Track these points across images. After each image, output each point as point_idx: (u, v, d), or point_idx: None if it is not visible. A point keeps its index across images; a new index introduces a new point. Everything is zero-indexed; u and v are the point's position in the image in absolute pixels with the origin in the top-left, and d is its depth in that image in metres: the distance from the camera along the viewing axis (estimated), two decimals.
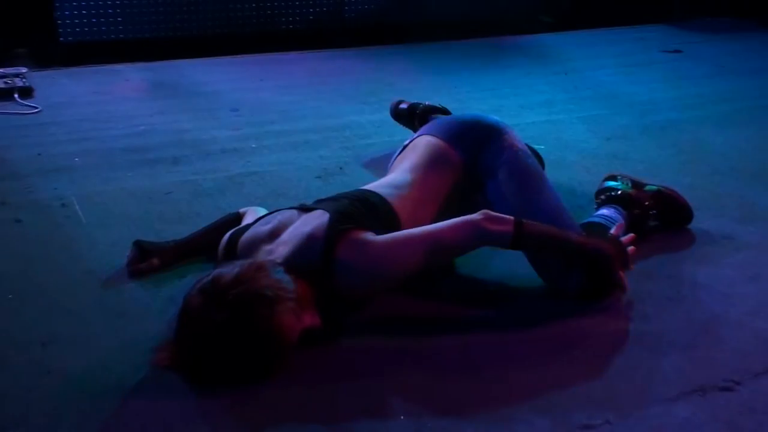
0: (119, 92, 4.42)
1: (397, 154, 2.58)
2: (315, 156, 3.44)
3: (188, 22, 5.37)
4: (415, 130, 2.99)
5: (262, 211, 2.46)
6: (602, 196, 2.67)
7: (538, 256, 2.30)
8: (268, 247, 2.12)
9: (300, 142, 3.61)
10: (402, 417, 1.80)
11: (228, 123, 3.89)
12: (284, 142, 3.61)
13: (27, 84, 4.30)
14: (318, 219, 2.11)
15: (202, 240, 2.51)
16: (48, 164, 3.31)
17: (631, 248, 2.29)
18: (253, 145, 3.57)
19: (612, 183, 2.72)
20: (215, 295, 1.85)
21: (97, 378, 1.93)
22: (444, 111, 3.29)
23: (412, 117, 3.33)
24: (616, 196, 2.63)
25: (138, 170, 3.26)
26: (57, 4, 5.01)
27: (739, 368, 1.98)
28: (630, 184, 2.70)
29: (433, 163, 2.42)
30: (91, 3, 5.09)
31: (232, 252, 2.19)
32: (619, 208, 2.58)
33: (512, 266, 2.35)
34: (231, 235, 2.26)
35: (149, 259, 2.42)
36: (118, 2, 5.16)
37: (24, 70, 4.50)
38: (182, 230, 2.59)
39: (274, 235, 2.15)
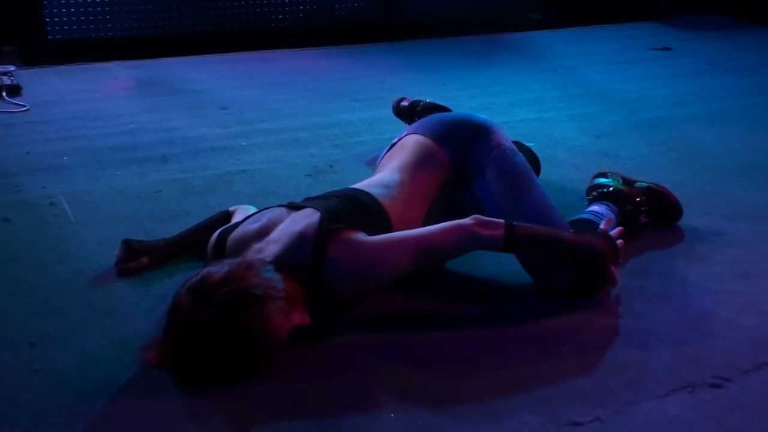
0: (108, 90, 4.40)
1: (385, 152, 2.58)
2: (305, 154, 3.44)
3: (177, 20, 5.36)
4: None
5: (252, 210, 2.46)
6: (594, 193, 2.67)
7: (530, 257, 2.30)
8: (257, 245, 2.11)
9: (290, 140, 3.60)
10: (392, 414, 1.80)
11: (217, 121, 3.88)
12: (274, 140, 3.60)
13: (15, 82, 4.28)
14: (308, 218, 2.10)
15: (192, 238, 2.50)
16: (36, 163, 3.30)
17: (620, 242, 2.30)
18: (243, 143, 3.56)
19: (603, 180, 2.72)
20: (204, 294, 1.84)
21: (86, 377, 1.93)
22: (444, 109, 3.28)
23: (413, 114, 3.33)
24: (608, 192, 2.63)
25: (127, 168, 3.25)
26: (45, 2, 4.99)
27: (729, 365, 1.98)
28: (621, 181, 2.70)
29: (421, 163, 2.42)
30: (80, 1, 5.07)
31: (221, 251, 2.18)
32: (611, 205, 2.59)
33: (502, 263, 2.35)
34: (220, 233, 2.25)
35: (138, 258, 2.41)
36: (106, 0, 5.14)
37: (12, 68, 4.48)
38: (172, 229, 2.59)
39: (263, 233, 2.15)
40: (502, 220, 2.12)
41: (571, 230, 2.31)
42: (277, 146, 3.53)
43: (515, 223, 2.12)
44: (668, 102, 4.25)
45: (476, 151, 2.43)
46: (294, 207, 2.21)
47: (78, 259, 2.49)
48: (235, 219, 2.44)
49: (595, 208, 2.58)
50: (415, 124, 2.61)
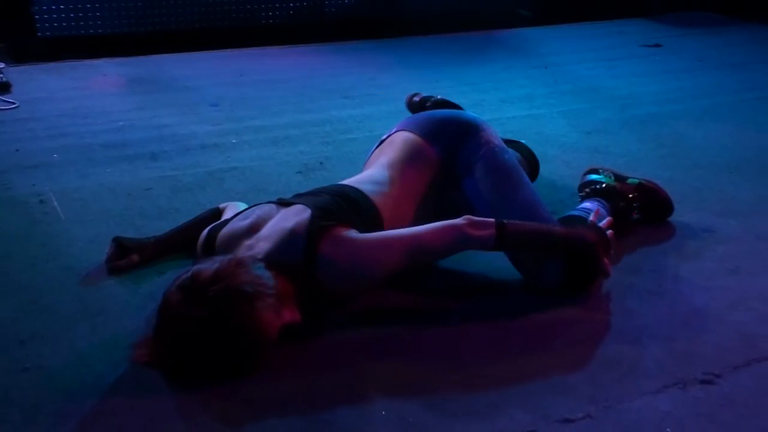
0: (98, 87, 4.39)
1: (374, 148, 2.58)
2: (295, 151, 3.43)
3: (167, 17, 5.35)
4: None
5: (243, 206, 2.45)
6: (586, 190, 2.67)
7: (522, 255, 2.30)
8: (248, 242, 2.11)
9: (280, 138, 3.60)
10: (383, 412, 1.80)
11: (208, 118, 3.88)
12: (264, 138, 3.60)
13: (4, 79, 4.27)
14: (299, 215, 2.10)
15: (182, 236, 2.49)
16: (26, 160, 3.29)
17: (609, 232, 2.31)
18: (233, 141, 3.55)
19: (595, 176, 2.72)
20: (194, 291, 1.84)
21: (76, 375, 1.92)
22: (455, 106, 3.28)
23: (422, 110, 3.32)
24: (601, 189, 2.63)
25: (117, 166, 3.24)
26: None
27: (720, 361, 1.98)
28: (613, 178, 2.70)
29: (410, 160, 2.42)
30: None
31: (211, 248, 2.18)
32: (603, 202, 2.58)
33: (492, 259, 2.34)
34: (209, 231, 2.24)
35: (128, 256, 2.41)
36: None
37: (1, 65, 4.48)
38: (162, 226, 2.58)
39: (253, 230, 2.14)
40: (492, 219, 2.12)
41: (560, 225, 2.31)
42: (267, 143, 3.52)
43: (506, 221, 2.13)
44: (658, 98, 4.26)
45: (465, 149, 2.43)
46: (283, 203, 2.20)
47: (68, 256, 2.48)
48: (226, 216, 2.43)
49: (586, 204, 2.58)
50: (404, 121, 2.60)
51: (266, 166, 3.26)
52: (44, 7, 5.02)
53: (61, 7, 5.05)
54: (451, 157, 2.43)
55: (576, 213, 2.51)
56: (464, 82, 4.54)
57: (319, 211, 2.09)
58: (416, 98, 3.41)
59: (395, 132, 2.54)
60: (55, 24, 5.06)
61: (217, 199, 2.76)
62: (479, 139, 2.44)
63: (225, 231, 2.19)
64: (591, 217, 2.42)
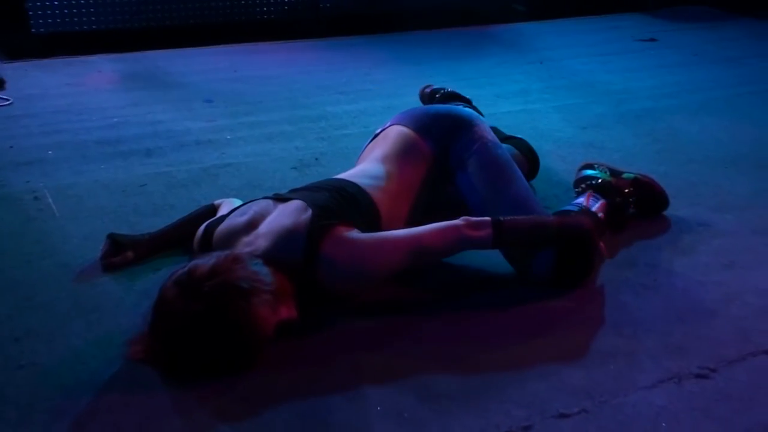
0: (92, 84, 4.38)
1: (368, 142, 2.58)
2: (290, 147, 3.43)
3: (162, 12, 5.34)
4: None
5: (237, 203, 2.44)
6: (582, 185, 2.67)
7: (521, 249, 2.29)
8: (246, 238, 2.11)
9: (275, 133, 3.59)
10: (379, 407, 1.80)
11: (202, 114, 3.87)
12: (259, 133, 3.59)
13: None
14: (299, 213, 2.09)
15: (177, 232, 2.48)
16: (20, 157, 3.28)
17: (601, 215, 2.34)
18: (228, 137, 3.55)
19: (590, 172, 2.72)
20: (190, 286, 1.83)
21: (71, 372, 1.91)
22: (464, 99, 3.28)
23: (433, 101, 3.33)
24: (597, 184, 2.63)
25: (111, 162, 3.23)
26: None
27: (715, 356, 1.99)
28: (608, 173, 2.70)
29: (404, 154, 2.42)
30: None
31: (208, 244, 2.17)
32: (599, 197, 2.57)
33: (486, 254, 2.33)
34: (206, 227, 2.24)
35: (123, 253, 2.40)
36: None
37: None
38: (157, 222, 2.58)
39: (251, 226, 2.14)
40: (488, 219, 2.13)
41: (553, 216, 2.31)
42: (262, 139, 3.52)
43: (501, 219, 2.13)
44: (654, 93, 4.26)
45: (458, 144, 2.44)
46: (280, 199, 2.20)
47: (62, 253, 2.48)
48: (221, 212, 2.43)
49: (581, 200, 2.58)
50: (399, 115, 2.60)
51: (261, 162, 3.25)
52: (38, 3, 5.00)
53: (55, 3, 5.04)
54: (445, 151, 2.44)
55: (572, 208, 2.51)
56: (459, 77, 4.54)
57: (320, 209, 2.09)
58: (428, 90, 3.42)
59: (389, 126, 2.55)
60: (49, 20, 5.05)
61: (211, 196, 2.76)
62: (472, 134, 2.44)
63: (222, 227, 2.18)
64: (582, 200, 2.43)
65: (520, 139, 2.89)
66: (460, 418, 1.77)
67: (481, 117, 2.61)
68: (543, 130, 3.63)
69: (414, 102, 3.44)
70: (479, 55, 5.12)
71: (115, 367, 1.92)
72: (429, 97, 3.37)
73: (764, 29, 5.90)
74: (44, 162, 3.23)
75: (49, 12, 5.03)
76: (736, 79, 4.58)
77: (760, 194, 2.94)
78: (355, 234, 2.07)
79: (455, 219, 2.13)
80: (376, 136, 2.56)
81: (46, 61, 4.82)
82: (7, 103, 3.97)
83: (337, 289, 2.09)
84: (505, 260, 2.33)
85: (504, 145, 2.57)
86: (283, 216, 2.11)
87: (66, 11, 5.07)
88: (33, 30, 5.03)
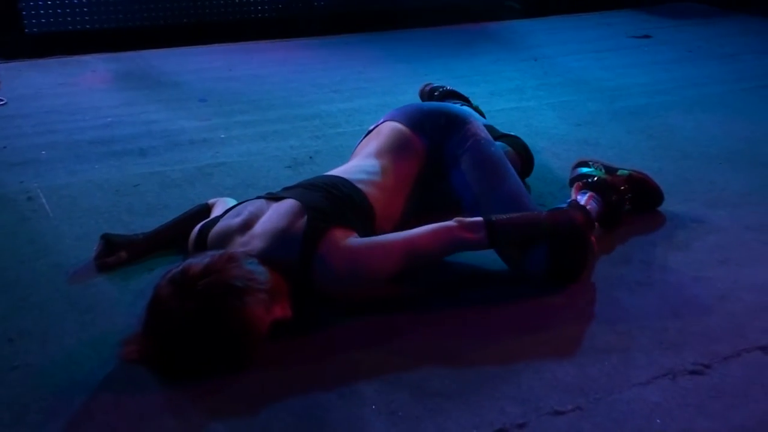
0: (86, 83, 4.37)
1: (362, 138, 2.58)
2: (285, 146, 3.42)
3: (155, 12, 5.33)
4: None
5: (232, 202, 2.44)
6: (578, 183, 2.66)
7: (514, 246, 2.29)
8: (241, 239, 2.11)
9: (269, 132, 3.59)
10: (373, 406, 1.80)
11: (196, 113, 3.86)
12: (253, 132, 3.59)
13: None
14: (294, 214, 2.10)
15: (171, 232, 2.48)
16: (14, 157, 3.27)
17: (589, 207, 2.36)
18: (222, 136, 3.54)
19: (585, 169, 2.71)
20: (185, 284, 1.83)
21: (65, 373, 1.91)
22: (461, 96, 3.28)
23: (431, 99, 3.32)
24: (592, 182, 2.62)
25: (105, 162, 3.23)
26: None
27: (709, 352, 1.99)
28: (603, 170, 2.70)
29: (397, 150, 2.43)
30: None
31: (202, 246, 2.17)
32: (595, 195, 2.57)
33: (482, 251, 2.34)
34: (200, 228, 2.24)
35: (117, 253, 2.40)
36: None
37: None
38: (151, 222, 2.57)
39: (246, 227, 2.14)
40: (481, 219, 2.14)
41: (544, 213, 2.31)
42: (256, 138, 3.51)
43: (493, 218, 2.14)
44: (648, 90, 4.26)
45: (452, 141, 2.44)
46: (273, 198, 2.20)
47: (56, 253, 2.47)
48: (215, 212, 2.43)
49: (578, 197, 2.57)
50: (393, 112, 2.60)
51: (255, 161, 3.25)
52: (31, 3, 4.99)
53: (49, 2, 5.03)
54: (438, 148, 2.44)
55: (560, 205, 2.51)
56: (454, 75, 4.53)
57: (315, 212, 2.09)
58: (427, 88, 3.42)
59: (383, 122, 2.55)
60: (43, 20, 5.03)
61: (206, 195, 2.76)
62: (465, 131, 2.45)
63: (217, 228, 2.18)
64: (572, 194, 2.43)
65: (514, 136, 2.89)
66: (455, 415, 1.77)
67: (474, 114, 2.61)
68: (537, 128, 3.63)
69: (408, 100, 3.43)
70: (473, 52, 5.11)
71: (110, 368, 1.92)
72: (428, 95, 3.37)
73: (758, 26, 5.90)
74: (38, 162, 3.22)
75: (42, 12, 5.02)
76: (731, 75, 4.58)
77: (754, 190, 2.94)
78: (351, 239, 2.08)
79: (448, 220, 2.14)
80: (370, 132, 2.56)
81: (39, 61, 4.81)
82: (1, 103, 3.96)
83: (331, 290, 2.10)
84: (498, 257, 2.32)
85: (497, 143, 2.57)
86: (277, 216, 2.11)
87: (59, 11, 5.06)
88: (26, 30, 5.01)
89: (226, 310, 1.81)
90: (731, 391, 1.85)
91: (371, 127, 2.58)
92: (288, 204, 2.13)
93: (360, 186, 2.28)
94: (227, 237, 2.14)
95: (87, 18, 5.15)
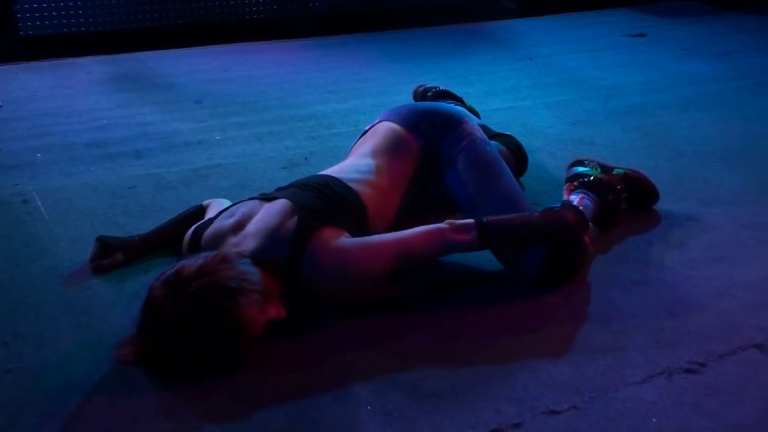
0: (81, 86, 4.37)
1: (358, 138, 2.58)
2: (280, 147, 3.42)
3: (150, 13, 5.33)
4: None
5: (226, 203, 2.44)
6: (574, 183, 2.66)
7: (507, 247, 2.29)
8: (234, 239, 2.11)
9: (265, 133, 3.59)
10: (369, 407, 1.80)
11: (192, 115, 3.86)
12: (249, 134, 3.59)
13: None
14: (285, 214, 2.10)
15: (166, 234, 2.48)
16: (9, 160, 3.27)
17: (581, 207, 2.36)
18: (218, 137, 3.54)
19: (581, 169, 2.71)
20: (178, 286, 1.84)
21: (60, 375, 1.91)
22: (454, 96, 3.27)
23: (425, 100, 3.32)
24: (589, 182, 2.62)
25: (101, 164, 3.22)
26: None
27: (704, 350, 1.99)
28: (599, 169, 2.70)
29: (393, 149, 2.43)
30: None
31: (196, 247, 2.18)
32: (592, 195, 2.56)
33: (477, 251, 2.34)
34: (194, 231, 2.24)
35: (113, 255, 2.40)
36: None
37: None
38: (146, 224, 2.57)
39: (239, 227, 2.14)
40: (472, 221, 2.15)
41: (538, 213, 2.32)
42: (252, 139, 3.51)
43: (484, 219, 2.15)
44: (643, 88, 4.26)
45: (447, 141, 2.44)
46: (266, 198, 2.21)
47: (52, 256, 2.47)
48: (210, 213, 2.43)
49: (572, 197, 2.57)
50: (388, 112, 2.60)
51: (251, 162, 3.25)
52: (26, 6, 4.98)
53: (44, 5, 5.02)
54: (433, 148, 2.44)
55: (555, 206, 2.51)
56: (449, 75, 4.53)
57: (305, 211, 2.09)
58: (420, 89, 3.42)
59: (378, 122, 2.55)
60: (38, 23, 5.03)
61: (201, 197, 2.75)
62: (461, 131, 2.45)
63: (210, 230, 2.18)
64: (564, 195, 2.43)
65: (509, 135, 2.89)
66: (450, 416, 1.77)
67: (469, 114, 2.61)
68: (533, 127, 3.63)
69: (404, 100, 3.44)
70: (469, 52, 5.11)
71: (105, 370, 1.92)
72: (422, 95, 3.37)
73: (753, 24, 5.91)
74: (33, 165, 3.22)
75: (37, 14, 5.01)
76: (726, 73, 4.58)
77: (749, 189, 2.94)
78: (342, 240, 2.08)
79: (443, 220, 2.14)
80: (365, 132, 2.56)
81: (34, 63, 4.80)
82: None
83: (322, 290, 2.10)
84: (493, 257, 2.32)
85: (492, 142, 2.57)
86: (269, 215, 2.12)
87: (54, 13, 5.05)
88: (21, 33, 5.01)
89: (219, 311, 1.82)
90: (727, 390, 1.85)
91: (367, 128, 2.59)
92: (280, 204, 2.14)
93: (353, 185, 2.28)
94: (220, 238, 2.14)
95: (82, 20, 5.14)
